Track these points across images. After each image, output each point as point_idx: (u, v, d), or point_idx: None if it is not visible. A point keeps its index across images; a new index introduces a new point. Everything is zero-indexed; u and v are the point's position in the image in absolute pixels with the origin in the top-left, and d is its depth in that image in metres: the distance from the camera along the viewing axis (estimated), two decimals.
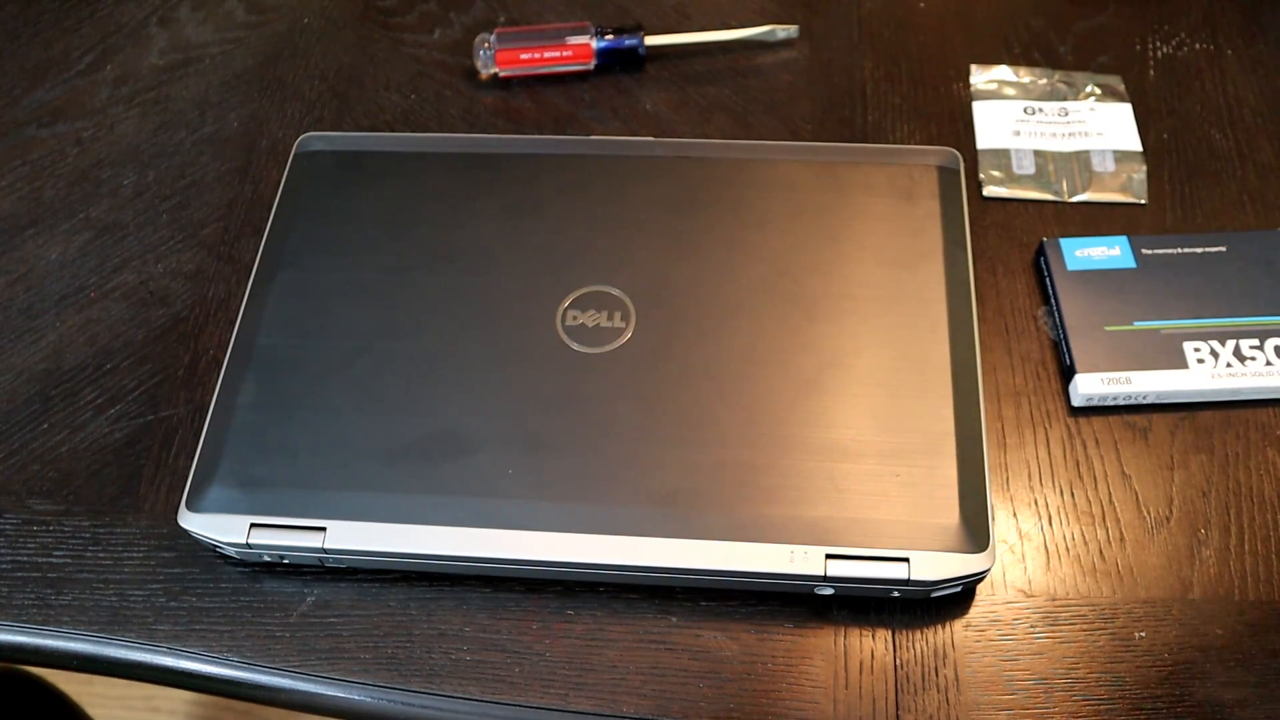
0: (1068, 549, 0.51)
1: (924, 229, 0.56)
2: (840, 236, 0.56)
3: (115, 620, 0.51)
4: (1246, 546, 0.51)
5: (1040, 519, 0.52)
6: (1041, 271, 0.58)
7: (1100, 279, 0.56)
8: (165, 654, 0.50)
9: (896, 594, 0.49)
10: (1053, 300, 0.57)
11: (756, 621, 0.50)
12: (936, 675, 0.48)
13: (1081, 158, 0.62)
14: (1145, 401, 0.54)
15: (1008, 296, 0.58)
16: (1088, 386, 0.54)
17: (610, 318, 0.53)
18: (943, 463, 0.49)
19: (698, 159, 0.59)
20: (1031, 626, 0.49)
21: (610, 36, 0.67)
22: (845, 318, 0.53)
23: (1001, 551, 0.51)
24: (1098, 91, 0.65)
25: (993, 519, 0.48)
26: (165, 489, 0.54)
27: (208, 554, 0.52)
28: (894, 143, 0.64)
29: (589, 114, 0.67)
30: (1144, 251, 0.57)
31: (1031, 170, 0.62)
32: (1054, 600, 0.50)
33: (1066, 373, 0.55)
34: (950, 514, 0.48)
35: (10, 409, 0.57)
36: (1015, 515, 0.52)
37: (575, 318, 0.53)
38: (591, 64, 0.68)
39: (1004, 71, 0.66)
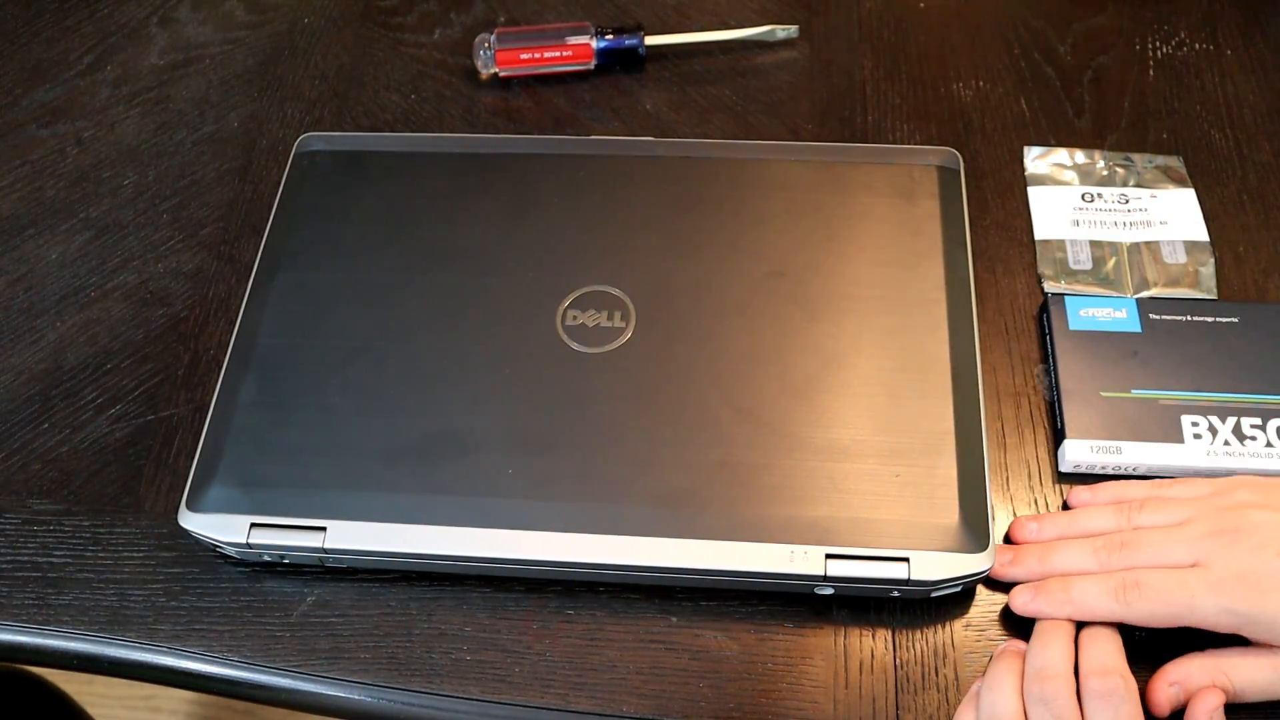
0: None
1: (924, 229, 0.56)
2: (840, 236, 0.56)
3: (115, 620, 0.51)
4: None
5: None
6: (1043, 327, 0.56)
7: (1103, 341, 0.54)
8: (165, 654, 0.50)
9: (896, 594, 0.49)
10: (1051, 359, 0.54)
11: (756, 621, 0.50)
12: (936, 675, 0.48)
13: (1151, 248, 0.59)
14: (1135, 473, 0.52)
15: (1008, 296, 0.58)
16: (1076, 454, 0.51)
17: (610, 318, 0.53)
18: (943, 463, 0.49)
19: (698, 159, 0.59)
20: (1032, 626, 0.49)
21: (610, 36, 0.67)
22: (845, 318, 0.53)
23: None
24: (1158, 174, 0.61)
25: (993, 519, 0.48)
26: (165, 489, 0.54)
27: (208, 554, 0.52)
28: (894, 143, 0.64)
29: (589, 114, 0.67)
30: (1151, 316, 0.54)
31: (1089, 265, 0.58)
32: None
33: (1057, 436, 0.53)
34: (950, 514, 0.48)
35: (10, 409, 0.57)
36: (1015, 515, 0.52)
37: (575, 318, 0.53)
38: (591, 64, 0.68)
39: (1060, 155, 0.63)
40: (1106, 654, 0.45)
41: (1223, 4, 0.70)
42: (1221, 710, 0.45)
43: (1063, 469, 0.52)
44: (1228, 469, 0.51)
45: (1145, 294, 0.57)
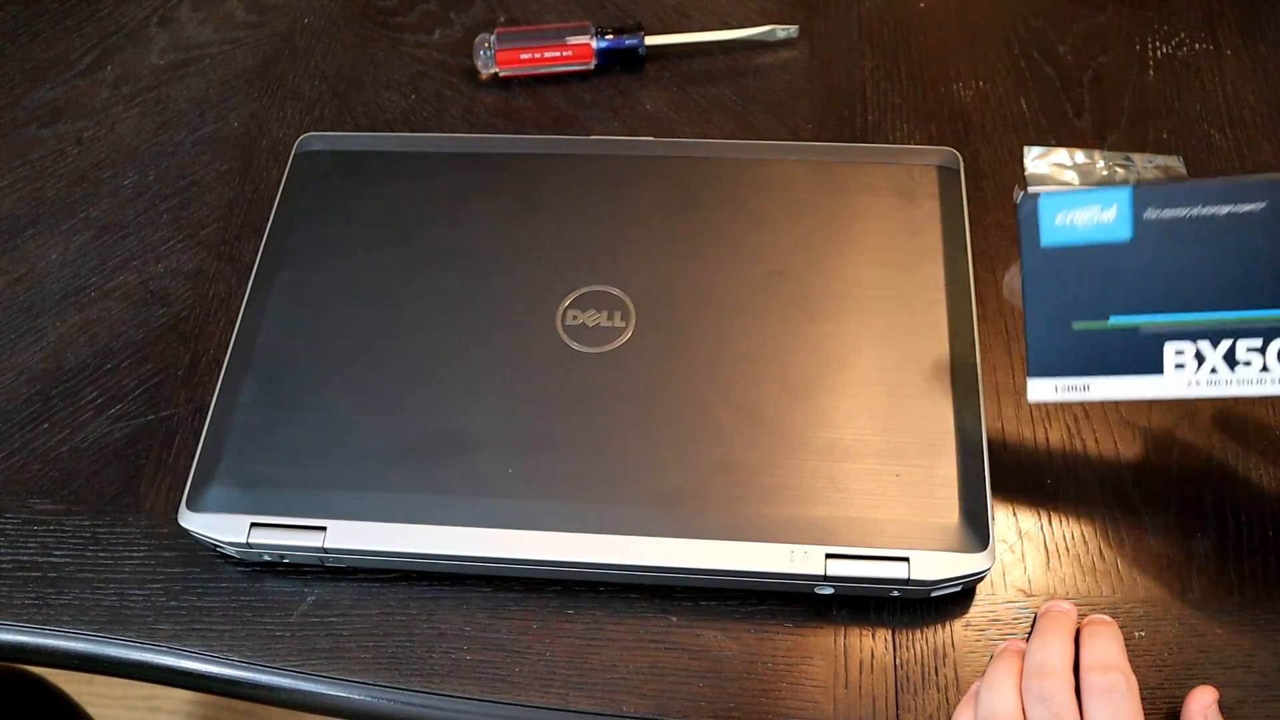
0: (1067, 548, 0.51)
1: (924, 229, 0.56)
2: (840, 236, 0.56)
3: (115, 620, 0.51)
4: (1246, 546, 0.51)
5: (1040, 518, 0.52)
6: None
7: (1082, 258, 0.45)
8: (166, 654, 0.50)
9: (896, 593, 0.49)
10: (1021, 279, 0.47)
11: (756, 621, 0.50)
12: (936, 675, 0.48)
13: None
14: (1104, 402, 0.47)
15: (1008, 296, 0.58)
16: (1039, 393, 0.47)
17: (610, 318, 0.53)
18: (943, 462, 0.49)
19: (698, 159, 0.59)
20: (1031, 626, 0.49)
21: (610, 36, 0.67)
22: (845, 318, 0.53)
23: (1001, 551, 0.51)
24: (1158, 174, 0.61)
25: (992, 519, 0.48)
26: (165, 488, 0.54)
27: (208, 554, 0.52)
28: (894, 143, 0.64)
29: (589, 114, 0.67)
30: (1147, 216, 0.45)
31: None
32: (1053, 599, 0.50)
33: (1026, 367, 0.47)
34: (950, 514, 0.48)
35: (11, 408, 0.57)
36: (1015, 515, 0.52)
37: (575, 318, 0.53)
38: (591, 64, 0.68)
39: (1060, 155, 0.63)
40: (1107, 651, 0.45)
41: (1223, 4, 0.70)
42: (1216, 707, 0.45)
43: (1030, 402, 0.48)
44: (1213, 398, 0.46)
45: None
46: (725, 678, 0.48)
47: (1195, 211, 0.45)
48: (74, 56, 0.71)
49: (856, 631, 0.49)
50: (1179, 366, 0.45)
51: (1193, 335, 0.45)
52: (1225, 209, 0.44)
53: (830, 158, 0.59)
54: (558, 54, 0.67)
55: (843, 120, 0.65)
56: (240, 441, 0.51)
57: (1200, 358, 0.45)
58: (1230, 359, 0.45)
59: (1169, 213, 0.45)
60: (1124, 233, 0.45)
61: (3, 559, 0.53)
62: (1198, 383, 0.45)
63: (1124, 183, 0.57)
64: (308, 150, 0.61)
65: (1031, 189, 0.47)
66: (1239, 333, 0.45)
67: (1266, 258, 0.44)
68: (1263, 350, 0.45)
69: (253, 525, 0.49)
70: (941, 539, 0.47)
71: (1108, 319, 0.45)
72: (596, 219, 0.57)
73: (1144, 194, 0.45)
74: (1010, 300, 0.50)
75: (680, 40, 0.68)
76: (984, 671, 0.46)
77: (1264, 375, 0.45)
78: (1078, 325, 0.46)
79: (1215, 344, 0.45)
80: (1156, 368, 0.45)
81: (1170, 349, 0.45)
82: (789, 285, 0.54)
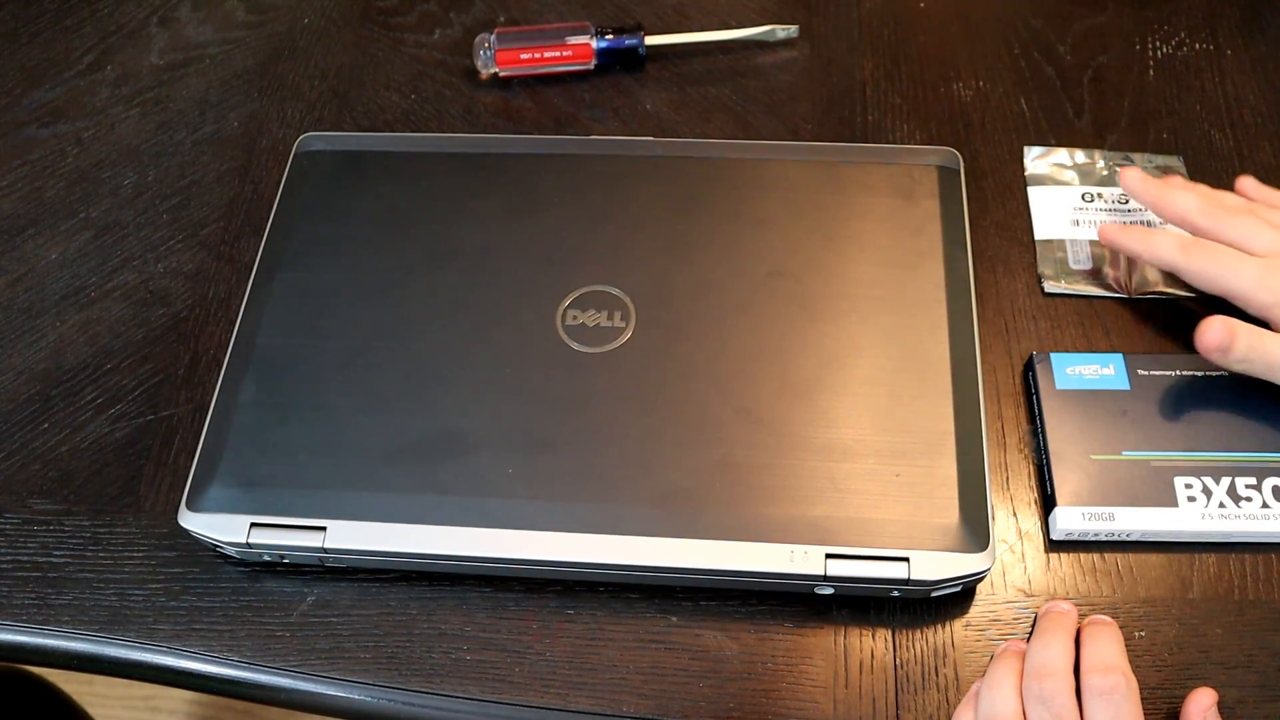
0: (1068, 549, 0.51)
1: (924, 229, 0.56)
2: (840, 236, 0.56)
3: (115, 620, 0.51)
4: (1245, 546, 0.51)
5: (1040, 518, 0.52)
6: (1029, 387, 0.55)
7: (1091, 400, 0.52)
8: (165, 654, 0.50)
9: (896, 594, 0.49)
10: (1038, 421, 0.53)
11: (756, 621, 0.50)
12: (936, 675, 0.48)
13: None
14: (1129, 539, 0.50)
15: (1008, 296, 0.58)
16: (1068, 521, 0.50)
17: (610, 318, 0.53)
18: (943, 462, 0.49)
19: (698, 159, 0.59)
20: (1031, 626, 0.49)
21: (610, 36, 0.67)
22: (845, 318, 0.53)
23: (1001, 551, 0.51)
24: (1158, 174, 0.60)
25: (993, 518, 0.48)
26: (165, 488, 0.54)
27: (208, 554, 0.52)
28: (894, 143, 0.64)
29: (589, 114, 0.67)
30: (1139, 373, 0.53)
31: (1089, 265, 0.58)
32: (1054, 600, 0.50)
33: (1047, 502, 0.51)
34: (950, 514, 0.48)
35: (10, 409, 0.57)
36: (1015, 515, 0.52)
37: (575, 318, 0.53)
38: (591, 64, 0.68)
39: (1060, 155, 0.62)
40: (1108, 652, 0.45)
41: (1223, 4, 0.70)
42: (1215, 709, 0.45)
43: (1054, 537, 0.51)
44: (1225, 532, 0.50)
45: (1147, 294, 0.57)
46: (725, 678, 0.48)
47: (1176, 374, 0.53)
48: (74, 56, 0.71)
49: (856, 631, 0.49)
50: (1191, 500, 0.50)
51: (1197, 472, 0.50)
52: (1199, 373, 0.53)
53: (830, 158, 0.59)
54: (558, 54, 0.67)
55: (843, 120, 0.65)
56: (240, 441, 0.51)
57: (1208, 492, 0.50)
58: (1234, 494, 0.50)
59: (1156, 372, 0.53)
60: (1123, 384, 0.53)
61: (3, 559, 0.53)
62: (1210, 516, 0.50)
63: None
64: (308, 150, 0.61)
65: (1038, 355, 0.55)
66: (1236, 471, 0.50)
67: (1237, 413, 0.52)
68: (1258, 488, 0.50)
69: (253, 525, 0.49)
70: (941, 539, 0.47)
71: (1121, 453, 0.51)
72: (596, 219, 0.57)
73: (1134, 358, 0.54)
74: (1027, 453, 0.54)
75: (680, 40, 0.68)
76: (984, 672, 0.46)
77: (1265, 511, 0.50)
78: (1095, 456, 0.51)
79: (1218, 480, 0.50)
80: (1171, 500, 0.50)
81: (1180, 483, 0.50)
82: (789, 285, 0.54)
